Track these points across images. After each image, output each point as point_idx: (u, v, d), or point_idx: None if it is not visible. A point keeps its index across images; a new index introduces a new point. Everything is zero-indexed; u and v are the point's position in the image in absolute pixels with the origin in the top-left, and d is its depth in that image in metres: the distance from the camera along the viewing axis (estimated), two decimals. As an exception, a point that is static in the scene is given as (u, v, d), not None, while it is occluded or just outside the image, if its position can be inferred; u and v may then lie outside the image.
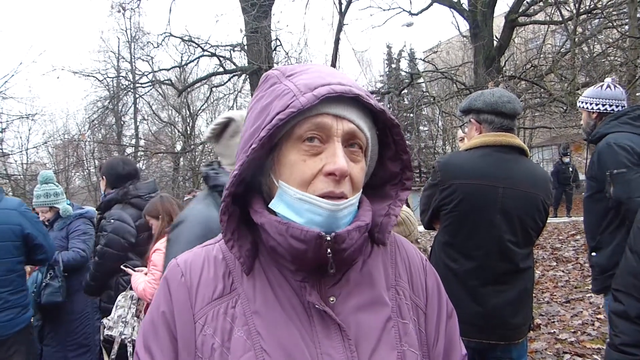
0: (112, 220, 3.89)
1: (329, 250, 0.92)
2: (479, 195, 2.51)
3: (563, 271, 8.72)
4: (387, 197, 1.08)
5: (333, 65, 12.22)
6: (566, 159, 18.13)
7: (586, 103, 3.31)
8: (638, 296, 1.73)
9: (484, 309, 2.51)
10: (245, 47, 13.33)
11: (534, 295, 7.29)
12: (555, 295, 7.28)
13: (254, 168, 1.00)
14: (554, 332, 5.64)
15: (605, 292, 3.14)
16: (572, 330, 5.64)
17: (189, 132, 25.12)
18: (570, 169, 17.61)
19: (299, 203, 0.94)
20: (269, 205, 0.99)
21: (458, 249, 2.58)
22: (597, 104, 3.26)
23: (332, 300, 0.99)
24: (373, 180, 1.10)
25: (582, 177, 18.69)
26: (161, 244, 3.40)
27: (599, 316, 5.86)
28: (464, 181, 2.55)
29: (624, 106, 3.22)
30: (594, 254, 3.20)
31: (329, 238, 0.92)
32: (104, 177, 4.23)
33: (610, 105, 3.23)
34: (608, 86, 3.29)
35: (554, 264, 9.44)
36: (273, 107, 0.93)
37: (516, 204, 2.52)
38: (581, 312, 6.29)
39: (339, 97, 0.93)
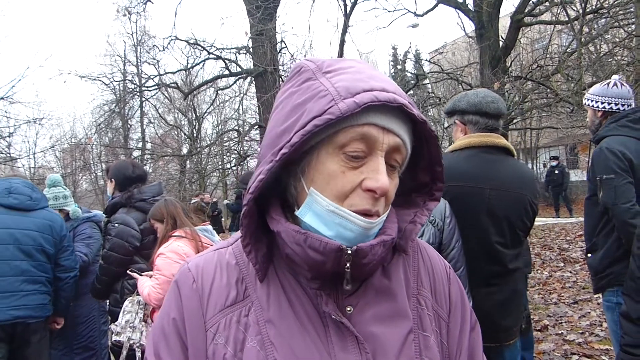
0: (117, 225, 3.90)
1: (347, 265, 0.88)
2: (466, 197, 2.47)
3: (570, 272, 8.69)
4: (413, 205, 1.04)
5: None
6: (553, 162, 18.51)
7: (592, 101, 3.27)
8: (638, 299, 1.78)
9: (475, 311, 2.49)
10: (251, 49, 13.36)
11: (541, 296, 7.29)
12: (562, 296, 7.26)
13: (280, 170, 0.94)
14: (562, 333, 5.62)
15: (601, 292, 3.16)
16: (580, 331, 5.63)
17: (195, 134, 25.22)
18: (557, 172, 17.98)
19: (330, 215, 0.88)
20: (296, 213, 0.93)
21: None
22: (602, 102, 3.22)
23: (349, 310, 0.94)
24: (399, 187, 1.02)
25: (582, 178, 18.88)
26: (165, 248, 3.40)
27: (607, 317, 5.83)
28: (450, 183, 2.50)
29: (630, 105, 3.19)
30: (589, 255, 3.22)
31: (349, 251, 0.87)
32: (112, 179, 4.24)
33: (616, 104, 3.19)
34: (615, 84, 3.24)
35: (562, 264, 9.42)
36: (308, 110, 0.86)
37: (503, 205, 2.49)
38: (589, 312, 6.28)
39: (382, 105, 0.85)
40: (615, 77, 3.34)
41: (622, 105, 3.19)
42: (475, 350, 1.07)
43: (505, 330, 2.56)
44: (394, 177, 0.93)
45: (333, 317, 0.91)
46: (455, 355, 1.03)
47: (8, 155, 17.39)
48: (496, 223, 2.48)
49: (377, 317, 0.95)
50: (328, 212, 0.88)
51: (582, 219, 15.09)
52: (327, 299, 0.92)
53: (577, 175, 22.90)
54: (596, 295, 6.64)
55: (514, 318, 2.60)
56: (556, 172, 18.19)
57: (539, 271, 9.00)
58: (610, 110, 3.20)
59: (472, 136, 2.59)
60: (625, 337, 1.80)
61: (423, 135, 0.95)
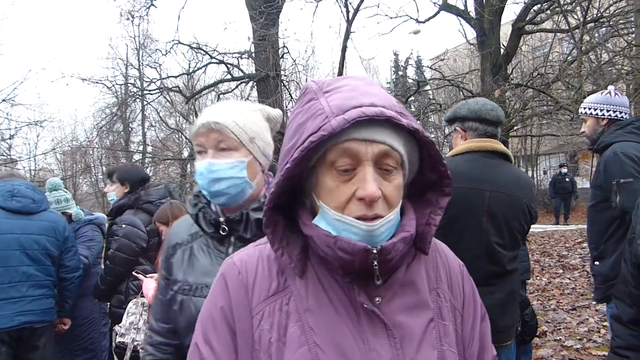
0: (124, 225, 3.93)
1: (375, 263, 0.98)
2: (466, 198, 2.54)
3: (569, 279, 8.72)
4: (428, 204, 1.12)
5: (340, 73, 12.26)
6: (564, 170, 18.57)
7: (594, 109, 3.30)
8: (629, 302, 1.84)
9: None
10: (253, 54, 13.38)
11: (540, 302, 7.32)
12: (561, 302, 7.29)
13: (297, 182, 1.06)
14: (560, 339, 5.66)
15: (607, 300, 3.13)
16: (578, 338, 5.66)
17: (196, 138, 25.21)
18: (567, 179, 18.02)
19: (337, 223, 0.99)
20: (313, 222, 1.04)
21: None
22: (607, 110, 3.26)
23: (378, 301, 1.04)
24: (414, 186, 1.14)
25: (582, 186, 18.92)
26: (169, 250, 3.42)
27: (604, 323, 5.86)
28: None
29: (629, 114, 3.26)
30: (597, 263, 3.19)
31: (375, 251, 0.97)
32: (125, 182, 4.24)
33: (621, 112, 3.23)
34: (616, 93, 3.30)
35: (561, 271, 9.45)
36: (307, 128, 0.97)
37: (502, 206, 2.55)
38: (587, 319, 6.31)
39: (370, 119, 0.95)
40: (611, 87, 3.39)
41: (625, 113, 3.24)
42: (485, 338, 1.20)
43: (502, 331, 2.60)
44: (391, 179, 1.01)
45: (365, 306, 1.02)
46: (469, 342, 1.16)
47: (9, 157, 17.40)
48: (495, 224, 2.55)
49: (403, 307, 1.06)
50: (335, 221, 1.00)
51: (581, 226, 15.12)
52: (359, 290, 1.03)
53: (578, 183, 22.97)
54: (594, 302, 6.67)
55: (511, 318, 2.65)
56: (567, 179, 18.23)
57: (538, 277, 9.03)
58: (615, 118, 3.24)
59: (472, 141, 2.66)
60: (617, 340, 1.86)
61: (419, 141, 1.05)
